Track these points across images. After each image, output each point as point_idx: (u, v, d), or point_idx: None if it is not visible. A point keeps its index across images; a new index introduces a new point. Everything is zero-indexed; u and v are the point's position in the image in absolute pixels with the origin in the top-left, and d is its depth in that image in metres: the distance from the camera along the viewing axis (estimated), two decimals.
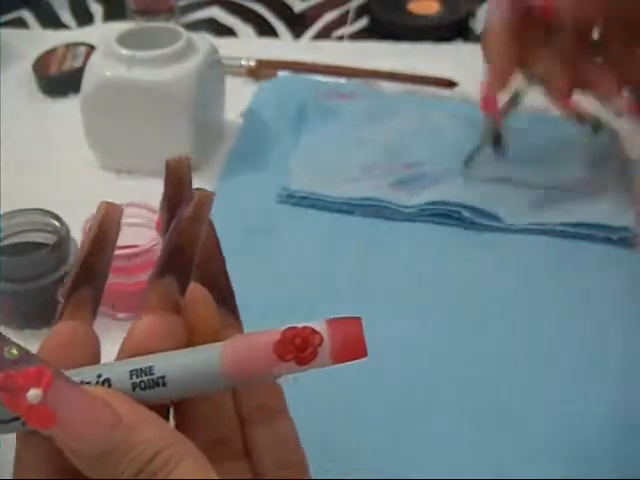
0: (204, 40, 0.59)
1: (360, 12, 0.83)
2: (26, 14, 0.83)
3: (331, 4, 0.85)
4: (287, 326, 0.20)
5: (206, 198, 0.22)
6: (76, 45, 0.71)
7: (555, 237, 0.53)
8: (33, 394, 0.18)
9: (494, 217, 0.53)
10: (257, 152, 0.61)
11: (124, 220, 0.51)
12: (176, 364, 0.20)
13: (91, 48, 0.70)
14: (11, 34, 0.78)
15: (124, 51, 0.55)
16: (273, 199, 0.56)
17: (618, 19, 0.49)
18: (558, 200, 0.55)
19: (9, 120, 0.65)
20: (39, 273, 0.45)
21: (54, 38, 0.74)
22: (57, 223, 0.46)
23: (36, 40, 0.75)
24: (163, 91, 0.55)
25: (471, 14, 0.82)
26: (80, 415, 0.19)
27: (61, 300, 0.23)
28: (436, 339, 0.46)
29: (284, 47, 0.78)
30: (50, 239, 0.46)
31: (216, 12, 0.84)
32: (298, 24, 0.82)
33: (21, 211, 0.47)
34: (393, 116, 0.63)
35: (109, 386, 0.20)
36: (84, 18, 0.83)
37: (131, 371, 0.20)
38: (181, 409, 0.24)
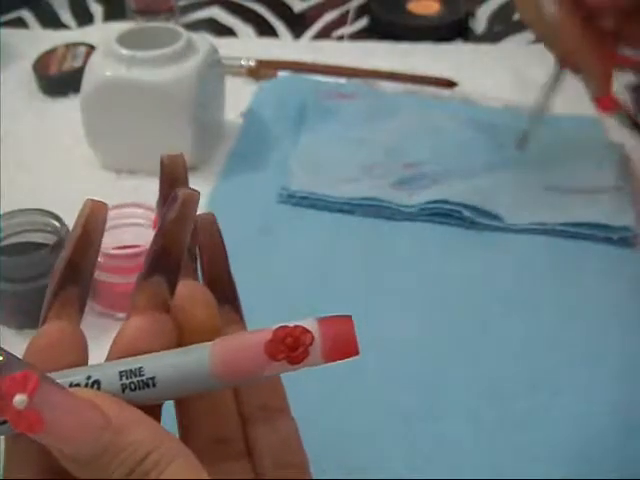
0: (204, 40, 0.59)
1: (360, 12, 0.83)
2: (26, 14, 0.83)
3: (331, 4, 0.85)
4: (278, 325, 0.20)
5: (191, 198, 0.21)
6: (76, 45, 0.71)
7: (555, 237, 0.53)
8: (19, 399, 0.18)
9: (495, 217, 0.53)
10: (257, 152, 0.61)
11: (125, 220, 0.52)
12: (166, 365, 0.20)
13: (91, 48, 0.70)
14: (11, 34, 0.78)
15: (124, 51, 0.55)
16: (273, 199, 0.56)
17: None
18: (558, 200, 0.55)
19: (9, 120, 0.65)
20: (39, 273, 0.45)
21: (54, 38, 0.74)
22: (57, 223, 0.46)
23: (36, 40, 0.75)
24: (163, 91, 0.55)
25: (471, 14, 0.82)
26: (68, 419, 0.18)
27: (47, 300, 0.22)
28: (436, 339, 0.46)
29: (284, 47, 0.78)
30: (50, 239, 0.46)
31: (216, 12, 0.84)
32: (298, 24, 0.82)
33: (21, 211, 0.47)
34: (393, 116, 0.63)
35: (98, 388, 0.20)
36: (84, 18, 0.83)
37: (120, 372, 0.20)
38: (182, 407, 0.24)
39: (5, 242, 0.46)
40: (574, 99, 0.67)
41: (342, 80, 0.70)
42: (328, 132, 0.62)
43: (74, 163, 0.60)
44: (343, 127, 0.62)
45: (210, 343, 0.20)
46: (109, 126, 0.57)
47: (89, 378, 0.20)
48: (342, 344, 0.20)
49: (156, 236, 0.22)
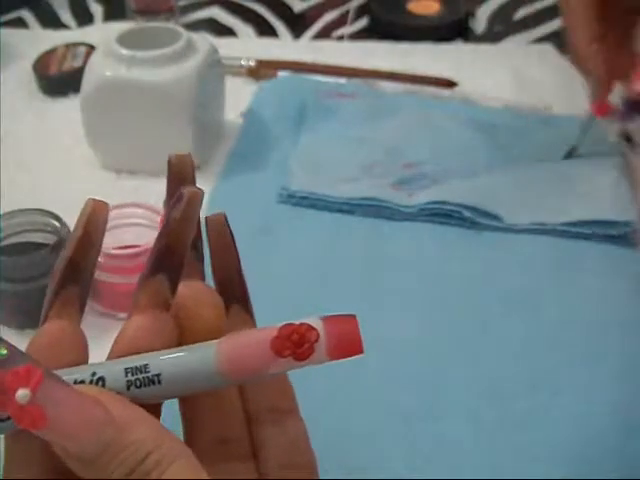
0: (204, 40, 0.59)
1: (360, 12, 0.83)
2: (26, 14, 0.83)
3: (331, 4, 0.85)
4: (283, 323, 0.20)
5: (195, 196, 0.21)
6: (76, 45, 0.71)
7: (556, 237, 0.53)
8: (22, 394, 0.18)
9: (495, 217, 0.53)
10: (257, 152, 0.61)
11: (125, 220, 0.52)
12: (172, 362, 0.20)
13: (91, 48, 0.70)
14: (11, 34, 0.78)
15: (124, 51, 0.55)
16: (273, 199, 0.56)
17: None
18: (558, 200, 0.54)
19: (9, 120, 0.65)
20: (39, 273, 0.45)
21: (54, 38, 0.74)
22: (57, 223, 0.46)
23: (36, 40, 0.75)
24: (163, 91, 0.55)
25: (471, 14, 0.82)
26: (71, 414, 0.18)
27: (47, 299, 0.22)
28: (436, 339, 0.46)
29: (284, 47, 0.78)
30: (50, 239, 0.46)
31: (216, 12, 0.84)
32: (298, 24, 0.82)
33: (21, 211, 0.47)
34: (393, 116, 0.63)
35: (103, 384, 0.20)
36: (84, 18, 0.83)
37: (126, 369, 0.20)
38: (187, 407, 0.24)
39: (5, 242, 0.46)
40: (574, 99, 0.67)
41: (342, 80, 0.70)
42: (328, 132, 0.62)
43: (74, 163, 0.60)
44: (343, 127, 0.62)
45: (216, 341, 0.20)
46: (109, 126, 0.57)
47: (94, 375, 0.20)
48: (347, 342, 0.20)
49: (160, 235, 0.22)
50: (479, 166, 0.58)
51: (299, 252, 0.52)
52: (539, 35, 0.79)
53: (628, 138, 0.56)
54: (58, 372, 0.20)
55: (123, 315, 0.48)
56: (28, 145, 0.63)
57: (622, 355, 0.45)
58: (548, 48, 0.75)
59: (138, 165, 0.59)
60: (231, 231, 0.24)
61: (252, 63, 0.71)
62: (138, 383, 0.20)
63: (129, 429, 0.19)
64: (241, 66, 0.71)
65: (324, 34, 0.80)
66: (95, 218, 0.22)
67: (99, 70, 0.56)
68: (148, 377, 0.20)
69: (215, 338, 0.21)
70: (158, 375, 0.20)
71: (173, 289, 0.22)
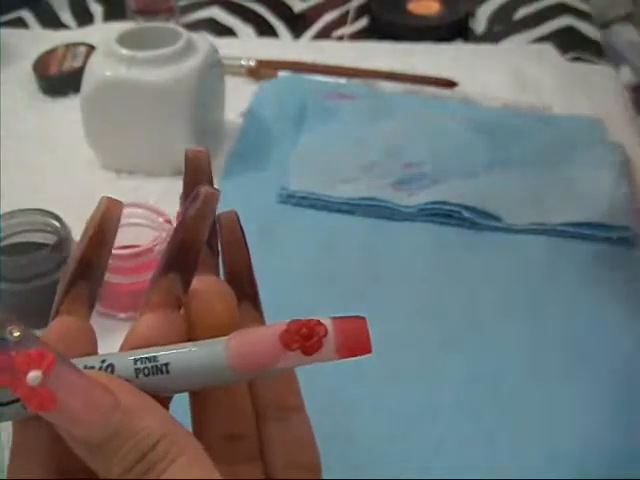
0: (204, 40, 0.59)
1: (360, 12, 0.83)
2: (26, 14, 0.83)
3: (331, 4, 0.85)
4: (292, 319, 0.20)
5: (212, 195, 0.22)
6: (76, 45, 0.71)
7: (555, 237, 0.53)
8: (33, 376, 0.18)
9: (494, 217, 0.53)
10: (257, 152, 0.61)
11: (125, 220, 0.52)
12: (181, 354, 0.20)
13: (91, 48, 0.70)
14: (11, 34, 0.78)
15: (124, 51, 0.55)
16: (273, 199, 0.56)
17: None
18: (558, 200, 0.55)
19: (9, 120, 0.65)
20: (39, 273, 0.45)
21: (54, 38, 0.74)
22: (57, 223, 0.46)
23: (36, 40, 0.75)
24: (163, 91, 0.55)
25: (471, 14, 0.82)
26: (80, 398, 0.18)
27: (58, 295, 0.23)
28: (436, 338, 0.46)
29: (284, 47, 0.78)
30: (50, 239, 0.46)
31: (216, 12, 0.84)
32: (298, 24, 0.82)
33: (21, 211, 0.47)
34: (393, 116, 0.63)
35: (112, 371, 0.20)
36: (84, 18, 0.83)
37: (135, 358, 0.20)
38: (196, 402, 0.24)
39: (5, 242, 0.46)
40: (574, 99, 0.67)
41: (342, 80, 0.70)
42: (328, 132, 0.62)
43: (74, 163, 0.60)
44: (343, 127, 0.62)
45: (226, 337, 0.21)
46: (109, 126, 0.57)
47: (103, 362, 0.20)
48: (355, 340, 0.20)
49: (175, 232, 0.22)
50: (479, 166, 0.58)
51: (299, 252, 0.52)
52: (539, 35, 0.79)
53: None
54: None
55: (123, 315, 0.48)
56: (28, 145, 0.63)
57: (622, 355, 0.45)
58: (548, 48, 0.75)
59: (138, 165, 0.59)
60: (242, 228, 0.24)
61: (252, 63, 0.71)
62: (146, 371, 0.20)
63: (138, 415, 0.19)
64: (241, 66, 0.71)
65: (324, 34, 0.80)
66: (109, 216, 0.22)
67: (99, 70, 0.56)
68: (156, 365, 0.20)
69: (227, 331, 0.21)
70: (166, 364, 0.20)
71: (185, 288, 0.22)
